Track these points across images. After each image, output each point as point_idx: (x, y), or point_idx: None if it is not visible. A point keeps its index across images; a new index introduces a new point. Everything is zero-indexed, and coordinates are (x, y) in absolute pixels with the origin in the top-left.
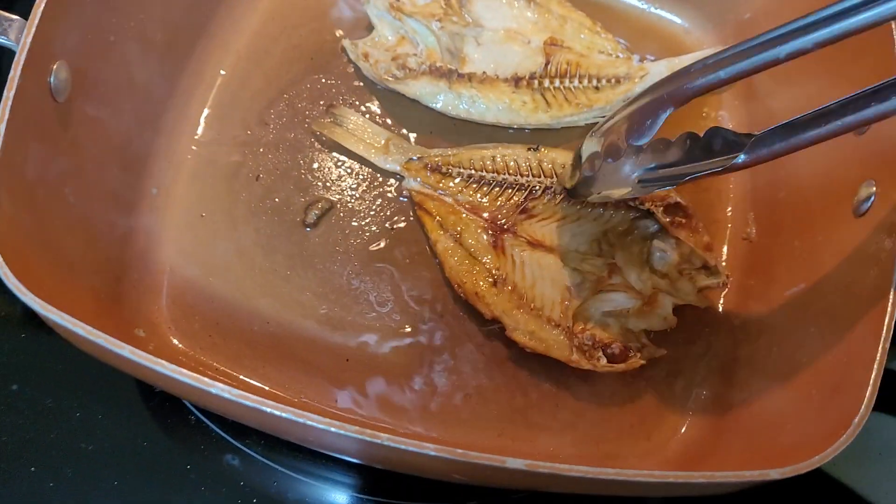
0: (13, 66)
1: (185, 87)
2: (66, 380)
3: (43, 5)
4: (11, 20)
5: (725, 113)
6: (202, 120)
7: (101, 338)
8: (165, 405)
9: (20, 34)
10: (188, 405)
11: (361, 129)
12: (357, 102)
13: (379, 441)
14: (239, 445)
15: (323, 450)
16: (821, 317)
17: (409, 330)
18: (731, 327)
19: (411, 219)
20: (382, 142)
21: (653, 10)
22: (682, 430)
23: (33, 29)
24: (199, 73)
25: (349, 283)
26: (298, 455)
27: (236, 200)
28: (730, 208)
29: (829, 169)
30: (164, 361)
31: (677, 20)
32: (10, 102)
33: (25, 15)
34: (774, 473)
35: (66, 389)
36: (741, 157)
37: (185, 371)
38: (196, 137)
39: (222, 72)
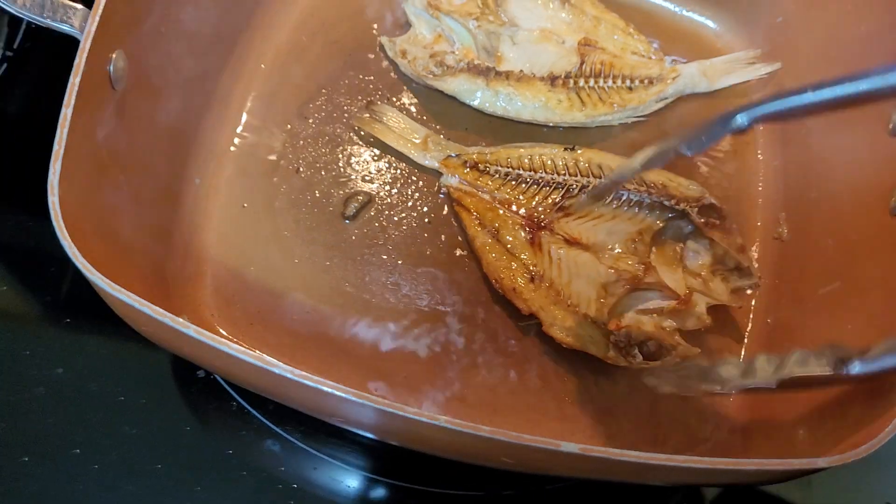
0: (79, 52)
1: (227, 81)
2: (110, 365)
3: None
4: (76, 9)
5: None
6: (244, 113)
7: (166, 317)
8: (207, 391)
9: (84, 22)
10: (230, 391)
11: (400, 125)
12: (394, 99)
13: (436, 423)
14: (279, 431)
15: (370, 432)
16: (857, 314)
17: (446, 323)
18: (765, 325)
19: (449, 214)
20: (421, 138)
21: (685, 12)
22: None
23: (97, 18)
24: (241, 67)
25: (388, 276)
26: (336, 441)
27: (276, 192)
28: (761, 209)
29: (863, 169)
30: (229, 343)
31: (709, 23)
32: (76, 88)
33: (87, 4)
34: (822, 462)
35: (110, 375)
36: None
37: (250, 352)
38: (238, 130)
39: (263, 66)
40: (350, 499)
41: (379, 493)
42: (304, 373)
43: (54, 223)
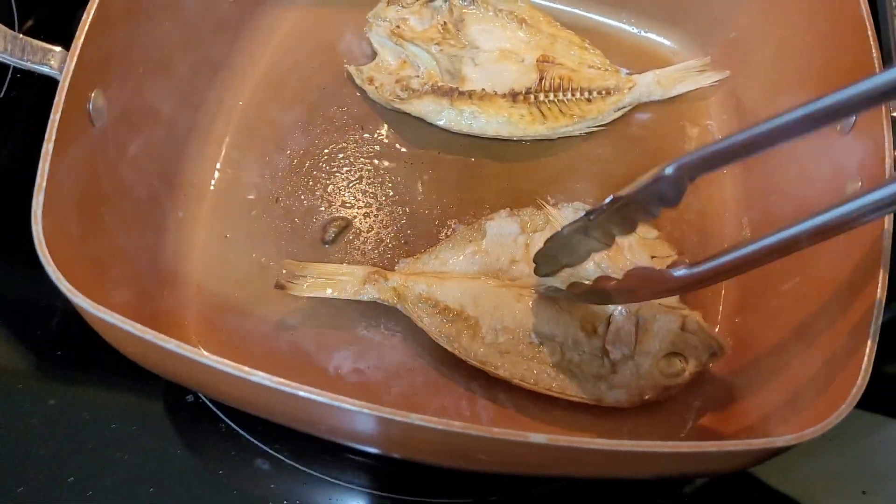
0: (58, 90)
1: (206, 117)
2: (101, 395)
3: (83, 37)
4: (54, 51)
5: (714, 123)
6: (223, 147)
7: (149, 334)
8: (197, 415)
9: (62, 63)
10: (219, 414)
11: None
12: (369, 126)
13: (408, 421)
14: (268, 450)
15: (349, 441)
16: (816, 303)
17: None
18: (733, 324)
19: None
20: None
21: (643, 33)
22: (691, 418)
23: (75, 58)
24: (219, 103)
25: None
26: (325, 458)
27: (258, 221)
28: (725, 215)
29: (816, 169)
30: (211, 356)
31: (666, 42)
32: (56, 124)
33: (65, 46)
34: (780, 441)
35: (101, 403)
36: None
37: (230, 363)
38: (218, 164)
39: (240, 103)
40: None
41: None
42: (282, 379)
43: (38, 252)
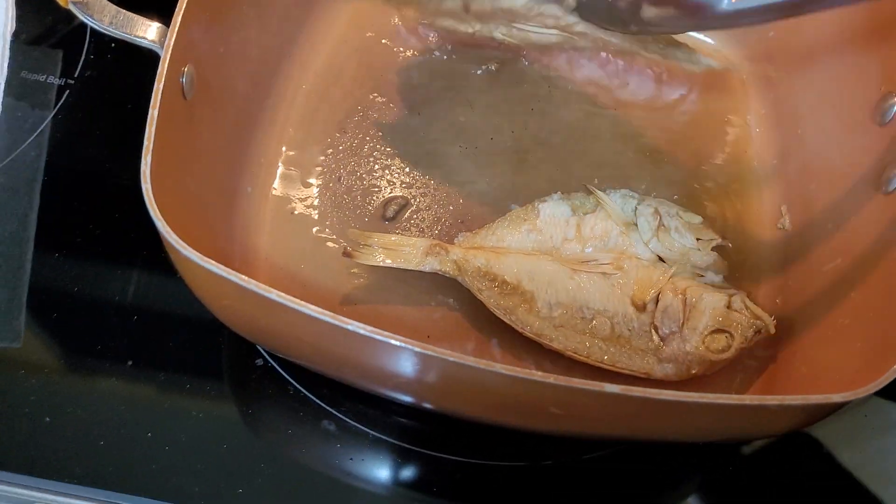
0: (161, 62)
1: (273, 99)
2: (176, 357)
3: (182, 14)
4: (152, 25)
5: (752, 118)
6: (288, 128)
7: (252, 284)
8: (266, 377)
9: (161, 37)
10: (287, 377)
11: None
12: (422, 112)
13: (491, 369)
14: (334, 412)
15: (423, 398)
16: (858, 283)
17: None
18: (774, 305)
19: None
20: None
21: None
22: (734, 386)
23: (174, 33)
24: (284, 87)
25: (432, 275)
26: (387, 420)
27: (321, 198)
28: (762, 203)
29: (857, 157)
30: (309, 305)
31: (706, 39)
32: (160, 93)
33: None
34: (837, 397)
35: (176, 365)
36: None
37: (326, 312)
38: (284, 142)
39: (304, 86)
40: (400, 471)
41: (425, 465)
42: (373, 328)
43: (148, 206)
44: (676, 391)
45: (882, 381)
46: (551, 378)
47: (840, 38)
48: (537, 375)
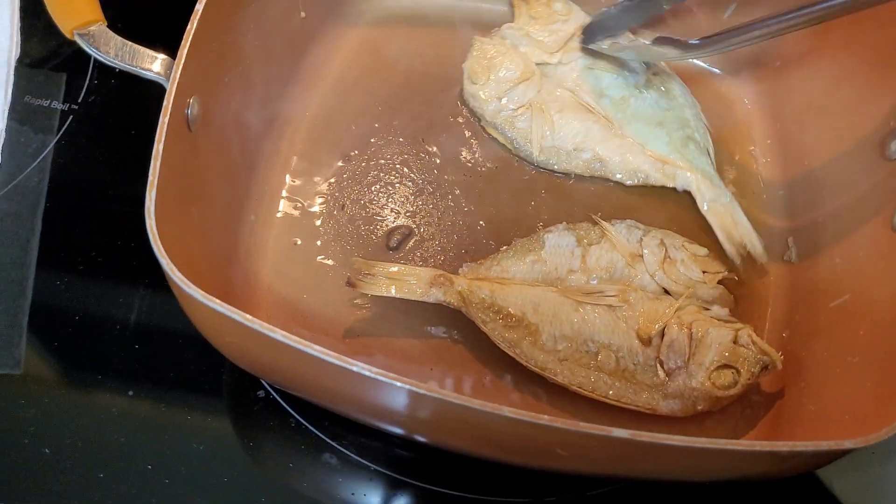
0: (167, 94)
1: (277, 127)
2: (177, 387)
3: (188, 47)
4: (158, 58)
5: (758, 149)
6: (293, 155)
7: (256, 323)
8: (267, 409)
9: (167, 69)
10: (289, 409)
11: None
12: (428, 139)
13: (498, 413)
14: (336, 445)
15: (425, 435)
16: (865, 321)
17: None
18: (781, 339)
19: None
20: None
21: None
22: (741, 422)
23: (181, 66)
24: (289, 114)
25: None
26: (389, 455)
27: (324, 227)
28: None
29: (863, 191)
30: (312, 345)
31: (713, 69)
32: (165, 126)
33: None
34: (848, 443)
35: (177, 395)
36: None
37: (331, 353)
38: (288, 171)
39: (307, 114)
40: None
41: (428, 500)
42: (379, 370)
43: (153, 243)
44: (684, 437)
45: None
46: (558, 422)
47: (847, 72)
48: (544, 419)
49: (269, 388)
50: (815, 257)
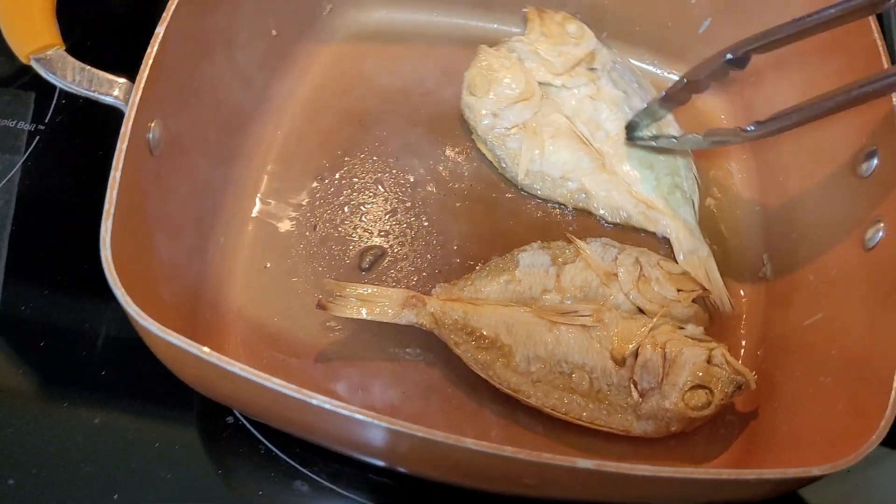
0: (125, 121)
1: (248, 147)
2: (145, 415)
3: (147, 71)
4: (118, 82)
5: (734, 164)
6: (264, 175)
7: (213, 356)
8: (237, 436)
9: (126, 94)
10: (258, 436)
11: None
12: (401, 158)
13: (462, 445)
14: (307, 472)
15: (397, 464)
16: (839, 341)
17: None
18: (755, 357)
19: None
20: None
21: (665, 73)
22: (715, 441)
23: (140, 91)
24: (259, 134)
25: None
26: (361, 481)
27: (296, 248)
28: (744, 252)
29: (836, 209)
30: (272, 378)
31: None
32: (123, 153)
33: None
34: (815, 470)
35: (145, 423)
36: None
37: (290, 385)
38: (259, 192)
39: (279, 132)
40: None
41: None
42: (339, 402)
43: (108, 275)
44: (650, 466)
45: (863, 452)
46: (522, 453)
47: (821, 89)
48: (507, 450)
49: (239, 415)
50: (789, 274)
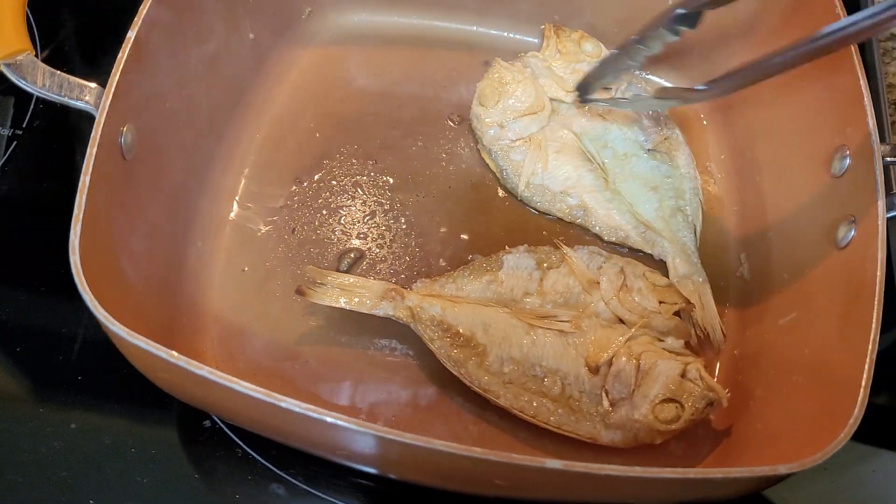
0: (95, 126)
1: (225, 151)
2: (121, 419)
3: (118, 75)
4: (89, 87)
5: (713, 165)
6: (241, 179)
7: (182, 360)
8: (214, 440)
9: (98, 99)
10: (235, 439)
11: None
12: (380, 160)
13: (431, 447)
14: (283, 475)
15: (368, 465)
16: (812, 340)
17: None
18: (732, 356)
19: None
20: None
21: (645, 75)
22: (692, 440)
23: (111, 95)
24: (238, 137)
25: (383, 326)
26: (338, 483)
27: (275, 250)
28: (723, 251)
29: (810, 208)
30: (240, 381)
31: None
32: (93, 158)
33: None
34: (783, 469)
35: (122, 428)
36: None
37: (259, 388)
38: (236, 195)
39: (258, 136)
40: None
41: None
42: (307, 405)
43: (76, 280)
44: (618, 466)
45: (830, 451)
46: (491, 454)
47: (796, 89)
48: (477, 452)
49: (216, 418)
50: (765, 274)
